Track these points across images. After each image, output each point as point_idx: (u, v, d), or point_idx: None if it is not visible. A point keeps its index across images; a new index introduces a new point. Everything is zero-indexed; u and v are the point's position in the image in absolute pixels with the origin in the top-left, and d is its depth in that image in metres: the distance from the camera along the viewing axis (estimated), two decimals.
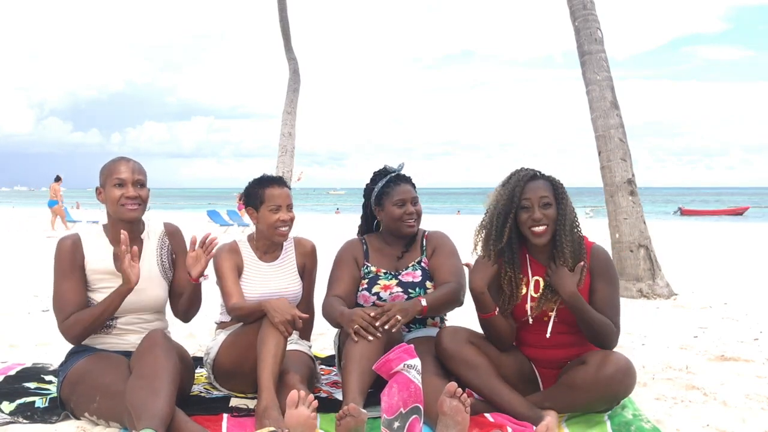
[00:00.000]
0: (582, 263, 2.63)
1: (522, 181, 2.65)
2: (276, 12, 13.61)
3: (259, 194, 3.03)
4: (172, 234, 2.94)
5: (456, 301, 2.92)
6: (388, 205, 3.06)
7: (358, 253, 3.14)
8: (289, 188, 3.11)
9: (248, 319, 2.82)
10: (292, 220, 3.06)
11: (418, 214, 3.08)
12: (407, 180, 3.12)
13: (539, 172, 2.72)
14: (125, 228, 2.71)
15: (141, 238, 2.83)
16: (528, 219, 2.62)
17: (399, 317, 2.67)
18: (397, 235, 3.11)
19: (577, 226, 2.69)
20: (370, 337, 2.61)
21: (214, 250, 2.84)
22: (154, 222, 2.93)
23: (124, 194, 2.68)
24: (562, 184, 2.70)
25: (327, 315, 2.93)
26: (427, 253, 3.09)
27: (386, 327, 2.64)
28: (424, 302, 2.80)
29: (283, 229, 3.03)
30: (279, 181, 3.08)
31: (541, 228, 2.62)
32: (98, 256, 2.73)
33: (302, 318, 2.69)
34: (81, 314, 2.63)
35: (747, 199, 61.30)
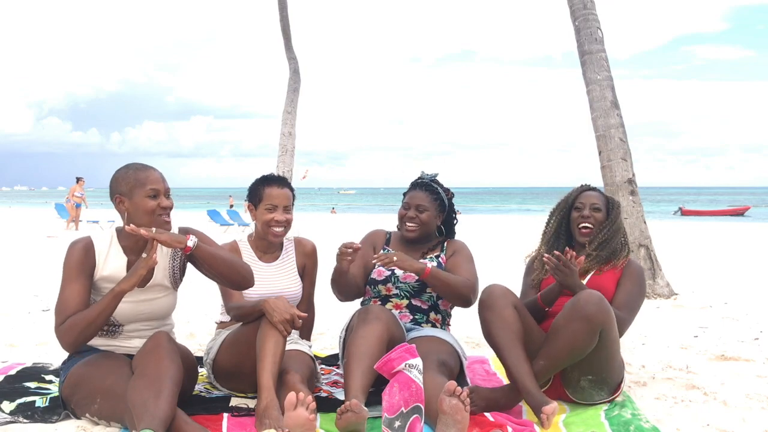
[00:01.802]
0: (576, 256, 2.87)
1: (577, 190, 3.17)
2: (276, 12, 13.61)
3: (259, 192, 3.05)
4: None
5: (460, 296, 2.98)
6: (401, 207, 3.21)
7: (379, 240, 3.27)
8: (292, 190, 3.11)
9: (247, 318, 2.81)
10: (287, 221, 3.05)
11: (420, 221, 3.12)
12: (425, 187, 3.16)
13: (597, 188, 3.20)
14: (143, 240, 2.61)
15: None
16: (576, 219, 3.08)
17: (395, 258, 2.85)
18: (403, 236, 3.19)
19: (623, 235, 3.07)
20: (348, 258, 2.86)
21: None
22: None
23: (160, 204, 2.58)
24: (614, 201, 3.16)
25: (332, 280, 3.07)
26: (447, 253, 3.18)
27: (377, 262, 2.88)
28: (429, 265, 2.93)
29: (277, 229, 3.03)
30: (280, 182, 3.07)
31: (588, 226, 3.05)
32: (110, 263, 2.65)
33: (301, 317, 2.69)
34: (76, 318, 2.52)
35: (746, 198, 61.40)
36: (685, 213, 36.56)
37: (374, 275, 3.12)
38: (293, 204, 3.11)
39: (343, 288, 3.09)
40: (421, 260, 3.10)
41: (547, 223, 3.19)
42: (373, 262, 2.94)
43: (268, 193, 3.02)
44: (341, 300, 3.18)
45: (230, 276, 2.68)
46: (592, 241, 3.02)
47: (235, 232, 17.24)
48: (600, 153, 6.85)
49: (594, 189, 3.16)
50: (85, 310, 2.54)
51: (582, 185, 3.19)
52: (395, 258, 2.85)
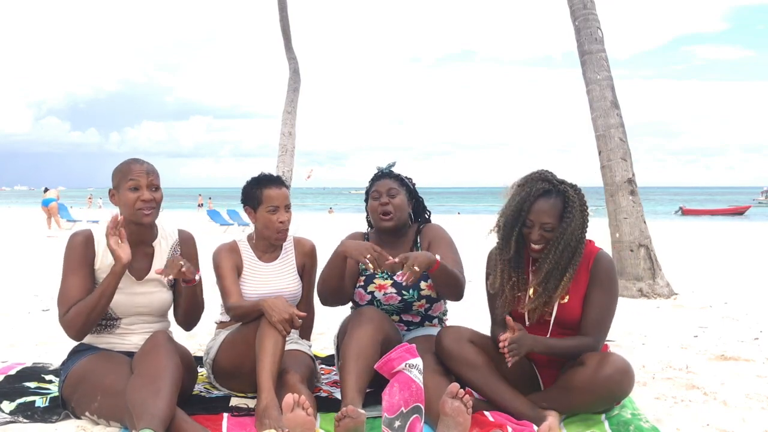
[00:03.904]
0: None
1: (531, 198, 2.64)
2: (276, 12, 13.62)
3: (257, 195, 3.01)
4: (185, 241, 2.90)
5: (459, 290, 2.89)
6: (369, 201, 3.10)
7: None
8: (288, 188, 3.10)
9: (246, 318, 2.82)
10: (289, 221, 3.05)
11: (395, 207, 3.01)
12: (388, 175, 3.11)
13: (554, 185, 2.66)
14: (137, 231, 2.70)
15: (153, 245, 2.80)
16: (528, 236, 2.66)
17: (417, 268, 2.65)
18: (378, 230, 3.10)
19: (575, 246, 2.63)
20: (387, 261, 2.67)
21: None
22: (168, 228, 2.88)
23: (140, 197, 2.64)
24: (574, 200, 2.64)
25: (322, 279, 2.96)
26: (422, 247, 3.07)
27: (405, 282, 2.66)
28: (438, 257, 2.76)
29: (283, 230, 3.03)
30: (277, 181, 3.05)
31: (538, 246, 2.66)
32: (109, 255, 2.67)
33: (300, 317, 2.69)
34: (79, 305, 2.59)
35: (746, 198, 61.54)
36: (685, 212, 36.62)
37: (356, 298, 3.05)
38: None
39: (336, 292, 2.98)
40: (401, 270, 2.91)
41: (501, 238, 2.72)
42: (399, 276, 2.70)
43: (267, 194, 2.99)
44: (327, 304, 3.08)
45: (192, 314, 2.88)
46: (538, 270, 2.66)
47: (235, 232, 17.23)
48: (600, 153, 6.86)
49: (549, 192, 2.64)
50: (86, 298, 2.60)
51: (536, 188, 2.64)
52: (417, 268, 2.63)
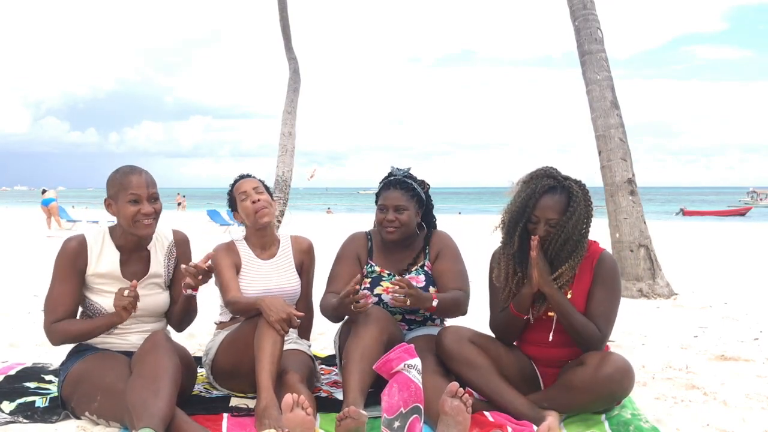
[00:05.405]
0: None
1: (537, 194, 2.64)
2: (276, 11, 13.61)
3: (231, 195, 3.14)
4: (180, 243, 2.90)
5: (460, 311, 2.93)
6: (377, 210, 3.04)
7: (362, 249, 3.10)
8: (260, 179, 3.17)
9: (244, 314, 2.83)
10: (267, 201, 3.06)
11: (401, 223, 2.95)
12: (399, 185, 3.00)
13: (559, 181, 2.67)
14: (132, 239, 2.70)
15: (147, 248, 2.79)
16: (534, 231, 2.66)
17: (409, 302, 2.70)
18: (384, 240, 3.05)
19: (577, 240, 2.63)
20: (370, 301, 2.74)
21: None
22: (162, 230, 2.87)
23: (140, 211, 2.61)
24: (578, 195, 2.64)
25: (324, 311, 2.94)
26: (431, 256, 3.05)
27: (390, 300, 2.73)
28: (435, 303, 2.79)
29: (260, 210, 3.03)
30: (243, 176, 3.16)
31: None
32: (103, 260, 2.69)
33: (299, 316, 2.69)
34: (70, 325, 2.63)
35: (740, 198, 61.63)
36: (687, 213, 36.59)
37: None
38: (266, 189, 3.13)
39: (341, 316, 2.94)
40: (408, 275, 2.98)
41: (506, 233, 2.73)
42: (391, 295, 2.75)
43: (236, 188, 3.11)
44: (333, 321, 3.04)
45: (186, 318, 2.88)
46: (538, 260, 2.62)
47: (235, 232, 17.21)
48: (600, 153, 6.86)
49: (554, 189, 2.65)
50: (79, 323, 2.66)
51: (541, 184, 2.66)
52: (408, 303, 2.70)
